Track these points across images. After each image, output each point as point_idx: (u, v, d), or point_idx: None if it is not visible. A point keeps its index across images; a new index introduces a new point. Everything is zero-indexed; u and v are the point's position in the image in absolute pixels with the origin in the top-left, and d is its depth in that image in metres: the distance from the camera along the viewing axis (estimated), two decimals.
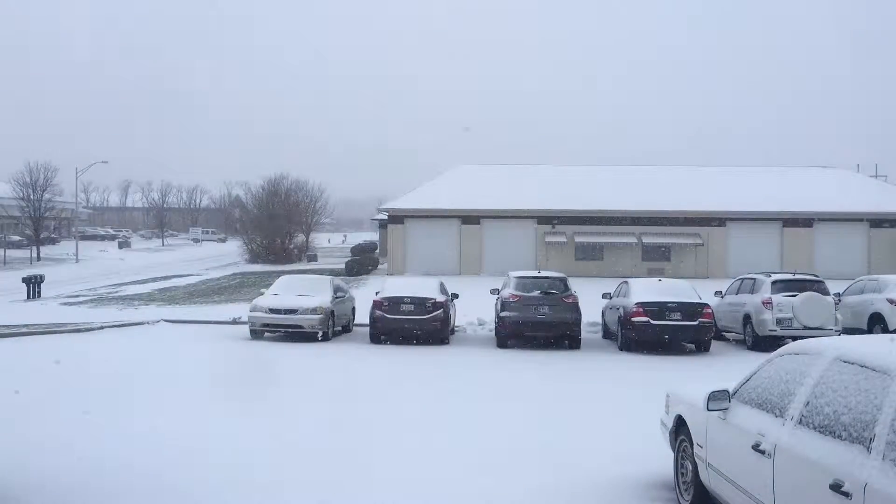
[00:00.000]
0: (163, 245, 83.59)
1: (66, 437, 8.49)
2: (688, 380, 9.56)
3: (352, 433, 9.18)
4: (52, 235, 70.28)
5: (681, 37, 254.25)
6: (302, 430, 9.25)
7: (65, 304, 27.62)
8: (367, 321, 18.82)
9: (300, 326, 18.21)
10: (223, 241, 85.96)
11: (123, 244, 75.19)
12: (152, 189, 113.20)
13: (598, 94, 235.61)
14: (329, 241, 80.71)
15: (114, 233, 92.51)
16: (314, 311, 18.29)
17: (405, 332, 18.03)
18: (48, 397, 11.08)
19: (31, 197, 59.88)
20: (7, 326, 19.36)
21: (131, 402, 10.91)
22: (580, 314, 17.61)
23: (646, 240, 37.83)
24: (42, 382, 12.34)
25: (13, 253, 54.85)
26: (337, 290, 19.95)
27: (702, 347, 17.25)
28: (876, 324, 17.53)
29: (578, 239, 38.11)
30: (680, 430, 6.51)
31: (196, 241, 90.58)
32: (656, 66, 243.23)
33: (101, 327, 20.05)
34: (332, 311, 18.83)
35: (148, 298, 29.52)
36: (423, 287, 18.76)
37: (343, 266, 41.57)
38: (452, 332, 19.45)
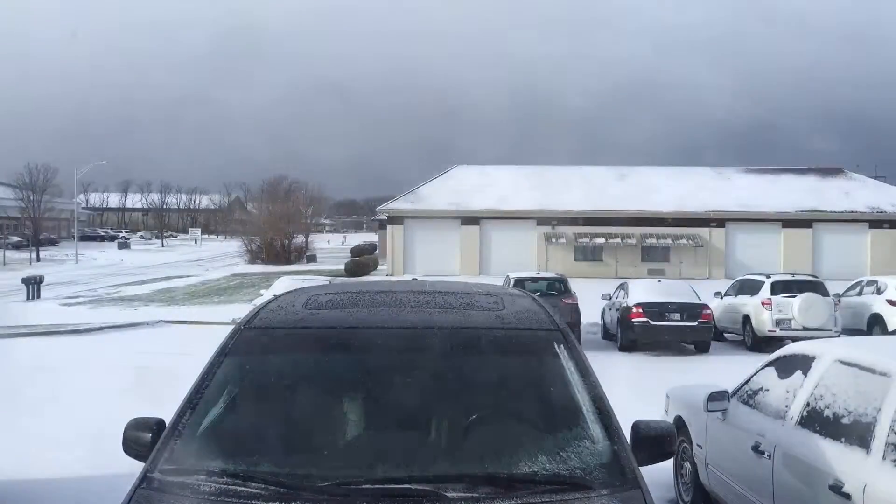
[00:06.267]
0: (162, 246, 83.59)
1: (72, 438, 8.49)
2: (687, 380, 9.56)
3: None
4: (52, 236, 70.29)
5: (679, 35, 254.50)
6: None
7: (64, 304, 27.63)
8: None
9: None
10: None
11: (123, 245, 75.15)
12: (151, 190, 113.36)
13: (597, 94, 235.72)
14: (329, 242, 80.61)
15: (113, 234, 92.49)
16: None
17: None
18: (51, 397, 11.08)
19: (31, 198, 59.93)
20: (7, 327, 19.36)
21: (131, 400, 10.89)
22: (580, 315, 17.60)
23: (646, 240, 37.84)
24: (46, 383, 12.34)
25: (13, 254, 54.84)
26: None
27: (701, 348, 17.25)
28: (875, 325, 17.53)
29: (578, 239, 38.13)
30: (679, 430, 6.51)
31: (195, 241, 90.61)
32: (655, 64, 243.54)
33: (101, 328, 20.06)
34: None
35: (148, 299, 29.52)
36: None
37: (342, 267, 41.61)
38: None
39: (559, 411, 3.15)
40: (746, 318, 17.78)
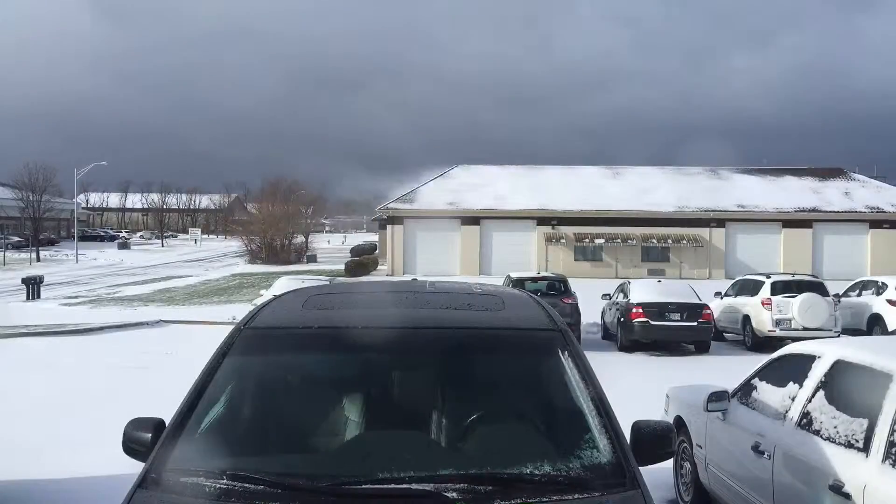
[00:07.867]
0: (162, 246, 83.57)
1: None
2: (687, 380, 9.56)
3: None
4: (52, 236, 70.26)
5: (680, 33, 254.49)
6: None
7: (64, 304, 27.63)
8: None
9: None
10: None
11: (123, 245, 75.12)
12: (151, 190, 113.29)
13: (596, 95, 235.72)
14: (329, 242, 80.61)
15: (113, 234, 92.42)
16: None
17: None
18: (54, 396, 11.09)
19: (31, 198, 59.92)
20: (6, 327, 19.35)
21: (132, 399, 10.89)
22: (580, 316, 17.61)
23: (646, 240, 37.84)
24: (51, 382, 12.35)
25: (13, 254, 54.85)
26: None
27: (701, 348, 17.25)
28: (875, 325, 17.53)
29: (578, 240, 38.14)
30: (679, 430, 6.51)
31: (195, 241, 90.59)
32: (655, 63, 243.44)
33: (101, 328, 20.05)
34: None
35: (147, 299, 29.52)
36: None
37: (342, 267, 41.62)
38: None
39: (559, 411, 3.15)
40: (746, 318, 17.79)
